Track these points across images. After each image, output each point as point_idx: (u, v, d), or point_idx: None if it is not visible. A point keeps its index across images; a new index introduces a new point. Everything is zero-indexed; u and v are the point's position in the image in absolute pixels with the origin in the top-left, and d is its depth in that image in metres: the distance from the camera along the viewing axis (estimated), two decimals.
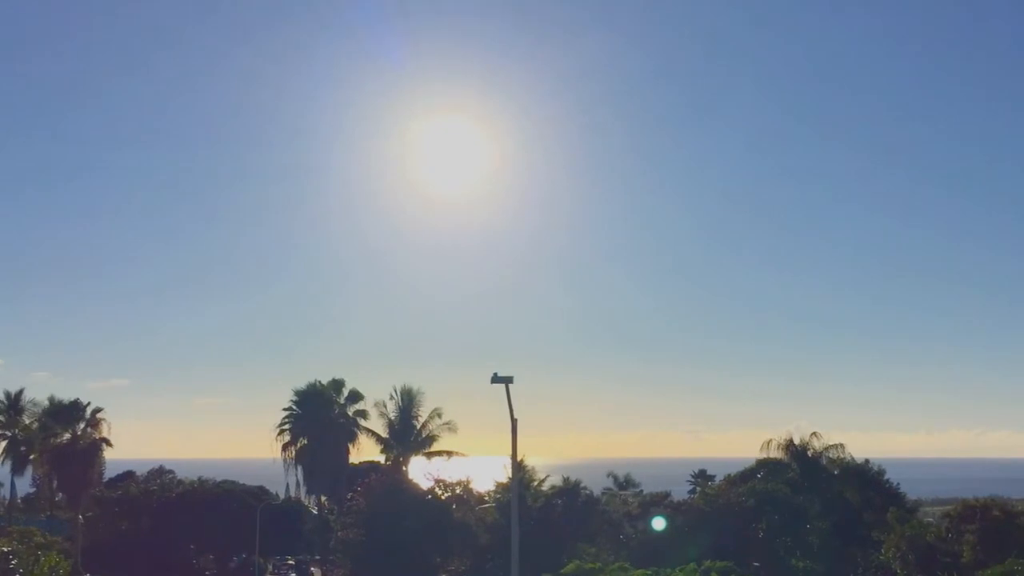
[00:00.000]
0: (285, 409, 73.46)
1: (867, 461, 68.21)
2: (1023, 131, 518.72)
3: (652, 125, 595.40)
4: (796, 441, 66.83)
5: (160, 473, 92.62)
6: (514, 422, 32.89)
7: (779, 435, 67.33)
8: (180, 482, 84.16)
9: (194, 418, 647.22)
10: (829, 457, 66.62)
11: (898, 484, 68.15)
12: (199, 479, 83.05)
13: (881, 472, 67.71)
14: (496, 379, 31.30)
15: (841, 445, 66.60)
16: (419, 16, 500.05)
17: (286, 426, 73.23)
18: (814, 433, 66.99)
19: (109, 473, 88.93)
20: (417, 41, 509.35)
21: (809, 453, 66.26)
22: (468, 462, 70.50)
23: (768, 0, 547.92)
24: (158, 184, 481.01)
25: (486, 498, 68.76)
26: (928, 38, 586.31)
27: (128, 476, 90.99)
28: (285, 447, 73.06)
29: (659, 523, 61.43)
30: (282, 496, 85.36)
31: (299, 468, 73.23)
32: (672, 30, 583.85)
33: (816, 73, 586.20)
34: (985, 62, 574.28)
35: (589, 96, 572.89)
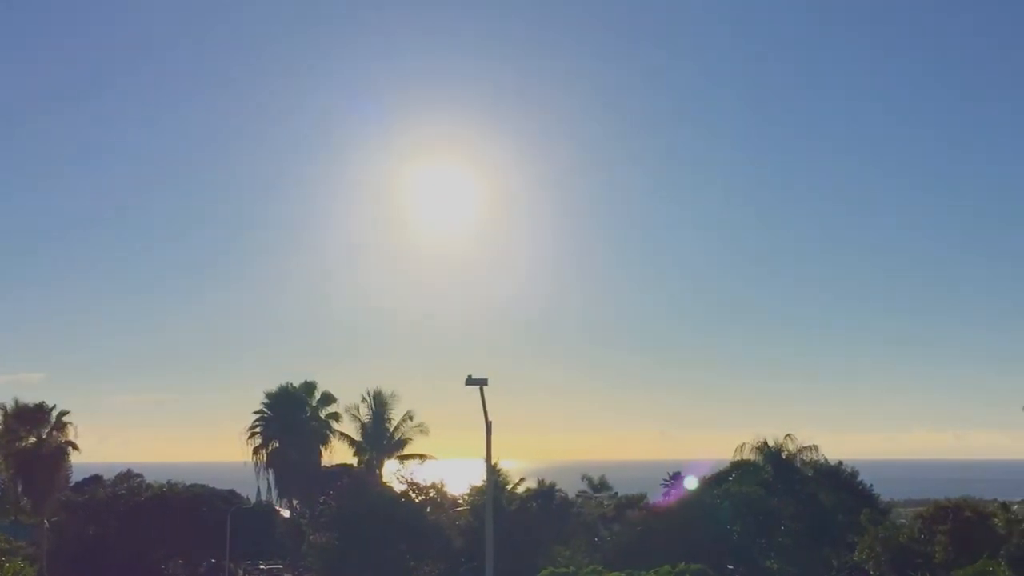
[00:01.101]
0: (256, 412, 72.64)
1: (840, 463, 68.52)
2: (991, 132, 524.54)
3: (637, 128, 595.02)
4: (770, 443, 66.96)
5: (128, 477, 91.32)
6: (488, 424, 32.57)
7: (753, 437, 67.53)
8: (149, 486, 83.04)
9: (152, 419, 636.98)
10: (803, 459, 66.81)
11: (871, 485, 68.51)
12: (168, 483, 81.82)
13: (855, 473, 68.04)
14: (470, 381, 30.99)
15: (815, 447, 66.92)
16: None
17: (257, 429, 72.33)
18: (788, 435, 67.27)
19: (75, 477, 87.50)
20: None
21: (783, 455, 66.43)
22: (442, 465, 70.03)
23: (752, 10, 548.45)
24: (126, 195, 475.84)
25: (460, 501, 68.37)
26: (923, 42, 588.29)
27: (95, 480, 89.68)
28: (256, 450, 72.16)
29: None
30: (253, 500, 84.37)
31: (270, 471, 72.32)
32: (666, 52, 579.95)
33: (803, 76, 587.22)
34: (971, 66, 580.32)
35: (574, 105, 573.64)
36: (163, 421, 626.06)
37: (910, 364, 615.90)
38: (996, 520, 60.77)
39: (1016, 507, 70.23)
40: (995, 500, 71.84)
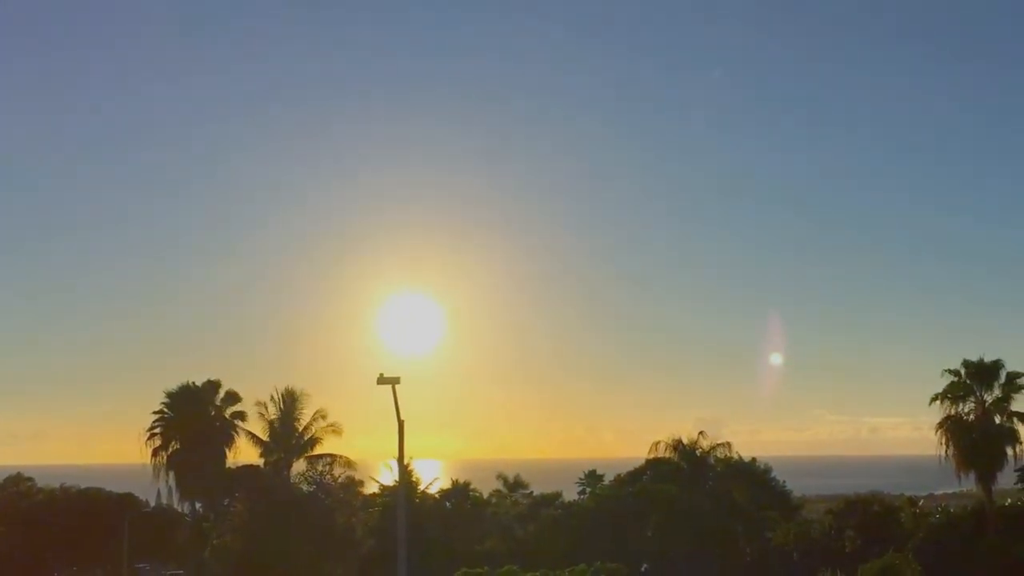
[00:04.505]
0: (155, 412, 69.55)
1: (754, 459, 69.19)
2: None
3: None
4: (684, 441, 66.95)
5: (17, 480, 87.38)
6: (401, 423, 31.50)
7: (668, 435, 67.52)
8: (40, 490, 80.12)
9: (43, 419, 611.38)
10: (717, 456, 67.00)
11: (784, 482, 69.43)
12: (61, 486, 79.19)
13: (768, 470, 68.82)
14: (382, 380, 29.83)
15: (728, 444, 67.15)
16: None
17: (156, 429, 69.29)
18: (701, 432, 67.35)
19: None
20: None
21: (697, 452, 66.43)
22: (354, 465, 68.25)
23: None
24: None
25: (373, 501, 66.88)
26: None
27: None
28: (156, 451, 69.15)
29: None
30: (152, 503, 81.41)
31: (171, 473, 69.43)
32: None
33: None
34: None
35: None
36: (55, 421, 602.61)
37: (822, 359, 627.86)
38: (903, 515, 62.14)
39: (922, 501, 72.10)
40: (903, 495, 73.59)
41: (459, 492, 66.13)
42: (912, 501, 66.85)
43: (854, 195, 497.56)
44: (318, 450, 65.35)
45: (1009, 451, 61.50)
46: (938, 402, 62.93)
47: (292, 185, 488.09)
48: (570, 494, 76.81)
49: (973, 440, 61.09)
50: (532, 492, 77.26)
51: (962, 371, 62.60)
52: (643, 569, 53.27)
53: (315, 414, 65.35)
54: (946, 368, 62.75)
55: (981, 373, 62.20)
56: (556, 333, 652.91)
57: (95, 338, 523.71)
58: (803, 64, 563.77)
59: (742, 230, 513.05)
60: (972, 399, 62.48)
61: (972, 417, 62.18)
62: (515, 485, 78.34)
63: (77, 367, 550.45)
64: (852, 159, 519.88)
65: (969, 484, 64.77)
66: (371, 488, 68.25)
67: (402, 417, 31.31)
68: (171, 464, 68.61)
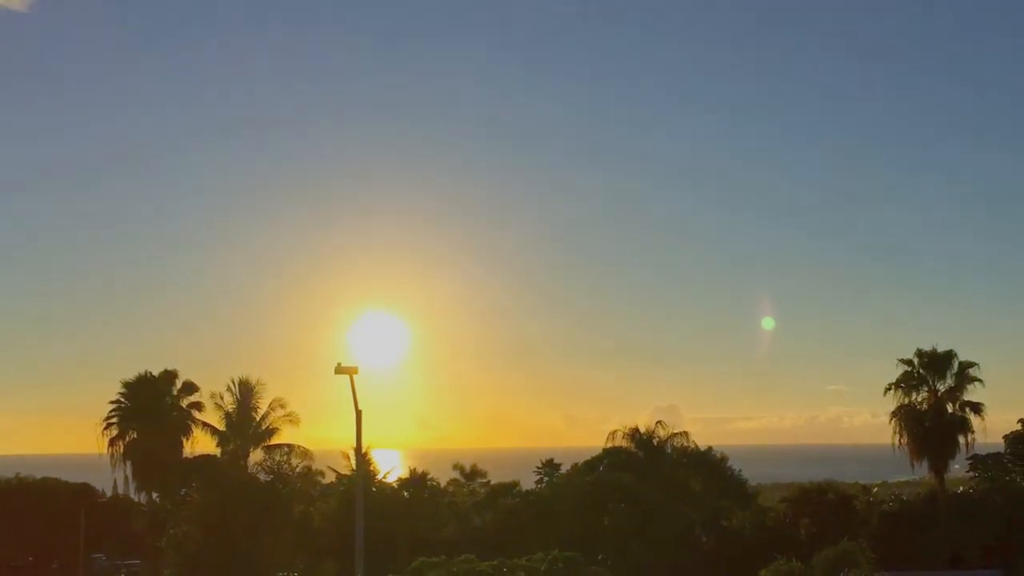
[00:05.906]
0: (112, 402, 68.89)
1: (710, 448, 69.82)
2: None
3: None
4: (641, 429, 67.42)
5: None
6: (358, 413, 31.45)
7: (625, 424, 68.00)
8: None
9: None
10: (673, 445, 67.55)
11: (740, 470, 70.12)
12: (17, 476, 78.22)
13: (724, 459, 69.47)
14: (340, 369, 29.80)
15: (685, 433, 67.81)
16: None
17: (113, 419, 68.60)
18: (659, 421, 67.96)
19: None
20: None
21: (654, 442, 66.95)
22: (311, 455, 68.01)
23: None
24: None
25: (331, 491, 66.73)
26: None
27: None
28: (112, 441, 68.49)
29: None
30: (109, 493, 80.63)
31: (128, 463, 68.80)
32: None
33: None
34: None
35: None
36: (10, 411, 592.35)
37: (783, 349, 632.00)
38: (857, 502, 63.07)
39: (876, 489, 73.33)
40: (857, 483, 74.70)
41: (417, 481, 66.16)
42: (866, 489, 67.93)
43: (816, 192, 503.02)
44: (275, 440, 65.10)
45: (961, 440, 62.73)
46: (892, 391, 64.03)
47: (262, 187, 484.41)
48: (527, 483, 76.94)
49: (926, 429, 62.18)
50: (489, 481, 77.33)
51: (915, 361, 63.60)
52: (600, 557, 53.54)
53: (272, 403, 65.10)
54: (900, 358, 63.80)
55: (934, 363, 63.24)
56: (516, 323, 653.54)
57: (52, 327, 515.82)
58: (780, 67, 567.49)
59: (708, 227, 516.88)
60: (925, 388, 63.55)
61: (925, 406, 63.25)
62: (472, 474, 78.31)
63: (32, 356, 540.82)
64: (814, 157, 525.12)
65: (923, 472, 65.97)
66: (330, 478, 68.04)
67: (359, 407, 31.32)
68: (128, 454, 67.97)
